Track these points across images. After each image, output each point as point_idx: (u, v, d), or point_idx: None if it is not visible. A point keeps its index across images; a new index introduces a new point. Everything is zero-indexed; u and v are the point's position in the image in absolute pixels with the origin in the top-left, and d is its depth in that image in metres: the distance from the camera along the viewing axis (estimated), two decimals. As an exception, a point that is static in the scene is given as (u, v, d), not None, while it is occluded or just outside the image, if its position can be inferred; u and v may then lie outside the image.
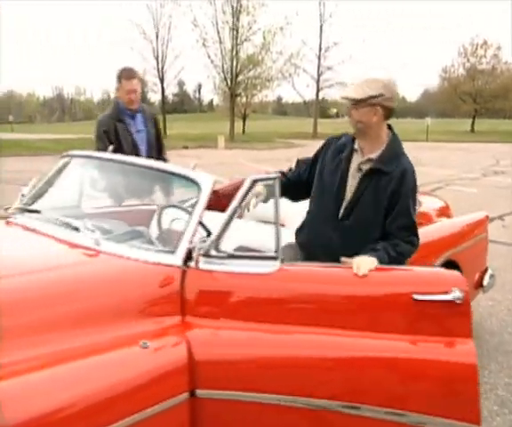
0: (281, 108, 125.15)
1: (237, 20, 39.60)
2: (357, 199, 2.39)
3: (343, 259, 2.22)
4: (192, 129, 56.28)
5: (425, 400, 1.98)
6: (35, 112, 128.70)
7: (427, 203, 4.18)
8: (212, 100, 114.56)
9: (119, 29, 64.20)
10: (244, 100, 45.35)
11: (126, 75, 3.77)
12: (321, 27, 45.25)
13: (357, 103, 2.36)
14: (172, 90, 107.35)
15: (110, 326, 1.90)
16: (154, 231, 2.53)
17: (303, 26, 70.52)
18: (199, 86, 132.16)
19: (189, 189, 2.39)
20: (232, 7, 39.33)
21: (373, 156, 2.43)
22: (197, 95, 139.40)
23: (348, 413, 1.99)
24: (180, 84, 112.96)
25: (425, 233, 3.46)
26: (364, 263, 2.12)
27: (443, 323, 2.05)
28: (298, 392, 1.99)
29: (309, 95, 71.20)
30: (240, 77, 40.67)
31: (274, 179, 2.18)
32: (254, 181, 2.19)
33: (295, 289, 2.16)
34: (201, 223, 2.28)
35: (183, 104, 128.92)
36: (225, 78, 40.46)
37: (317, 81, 46.38)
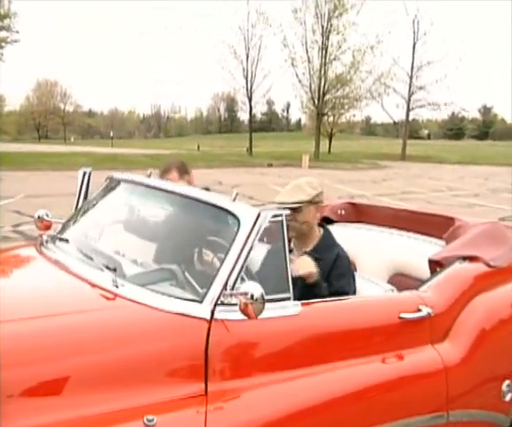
0: (369, 129, 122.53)
1: (327, 39, 39.35)
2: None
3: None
4: (278, 147, 56.68)
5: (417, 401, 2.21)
6: (134, 128, 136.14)
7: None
8: (299, 120, 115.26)
9: (212, 50, 65.95)
10: (330, 119, 44.77)
11: (160, 172, 2.99)
12: (414, 45, 43.70)
13: (305, 205, 2.49)
14: (260, 109, 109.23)
15: (111, 394, 1.55)
16: (194, 271, 2.14)
17: (395, 44, 68.66)
18: (287, 105, 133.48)
19: (228, 226, 2.01)
20: (322, 27, 39.16)
21: (308, 249, 2.56)
22: (285, 114, 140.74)
23: None
24: (269, 102, 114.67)
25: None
26: (304, 264, 2.30)
27: (420, 335, 2.30)
28: None
29: (399, 116, 69.07)
30: (327, 97, 40.20)
31: (281, 215, 1.99)
32: (258, 215, 1.93)
33: (321, 327, 2.09)
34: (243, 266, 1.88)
35: (271, 123, 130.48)
36: (312, 98, 40.19)
37: (408, 101, 44.67)
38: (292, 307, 1.95)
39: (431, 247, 3.02)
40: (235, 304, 1.75)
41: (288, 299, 1.95)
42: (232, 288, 1.80)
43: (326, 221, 3.65)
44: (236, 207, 1.98)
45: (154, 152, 39.70)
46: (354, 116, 47.59)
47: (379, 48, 38.97)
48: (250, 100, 42.68)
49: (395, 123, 55.55)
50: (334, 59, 39.62)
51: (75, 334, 1.67)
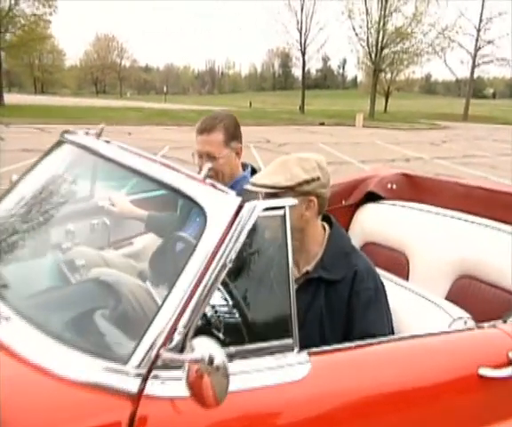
0: (429, 87, 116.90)
1: (388, -12, 36.99)
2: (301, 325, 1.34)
3: None
4: (332, 106, 54.95)
5: None
6: (189, 84, 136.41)
7: None
8: (355, 77, 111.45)
9: (266, 3, 63.83)
10: (388, 76, 42.57)
11: (199, 128, 2.07)
12: (484, -6, 40.41)
13: (284, 193, 1.58)
14: (315, 65, 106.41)
15: None
16: (143, 293, 1.34)
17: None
18: (343, 62, 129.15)
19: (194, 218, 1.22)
20: (383, -25, 36.80)
21: (310, 267, 1.72)
22: (341, 71, 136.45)
23: None
24: (325, 59, 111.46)
25: None
26: None
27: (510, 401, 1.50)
28: None
29: (462, 73, 64.97)
30: (385, 51, 38.09)
31: (282, 208, 1.22)
32: (240, 207, 1.17)
33: (344, 396, 1.25)
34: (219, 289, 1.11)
35: (326, 80, 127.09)
36: (369, 52, 38.14)
37: (474, 56, 41.66)
38: (296, 365, 1.16)
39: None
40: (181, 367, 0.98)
41: (290, 349, 1.16)
42: (184, 339, 1.02)
43: (371, 197, 2.79)
44: (205, 194, 1.18)
45: (204, 108, 39.45)
46: (413, 72, 45.38)
47: (445, -2, 36.37)
48: (303, 54, 41.24)
49: (457, 80, 52.49)
50: (395, 10, 37.39)
51: None
